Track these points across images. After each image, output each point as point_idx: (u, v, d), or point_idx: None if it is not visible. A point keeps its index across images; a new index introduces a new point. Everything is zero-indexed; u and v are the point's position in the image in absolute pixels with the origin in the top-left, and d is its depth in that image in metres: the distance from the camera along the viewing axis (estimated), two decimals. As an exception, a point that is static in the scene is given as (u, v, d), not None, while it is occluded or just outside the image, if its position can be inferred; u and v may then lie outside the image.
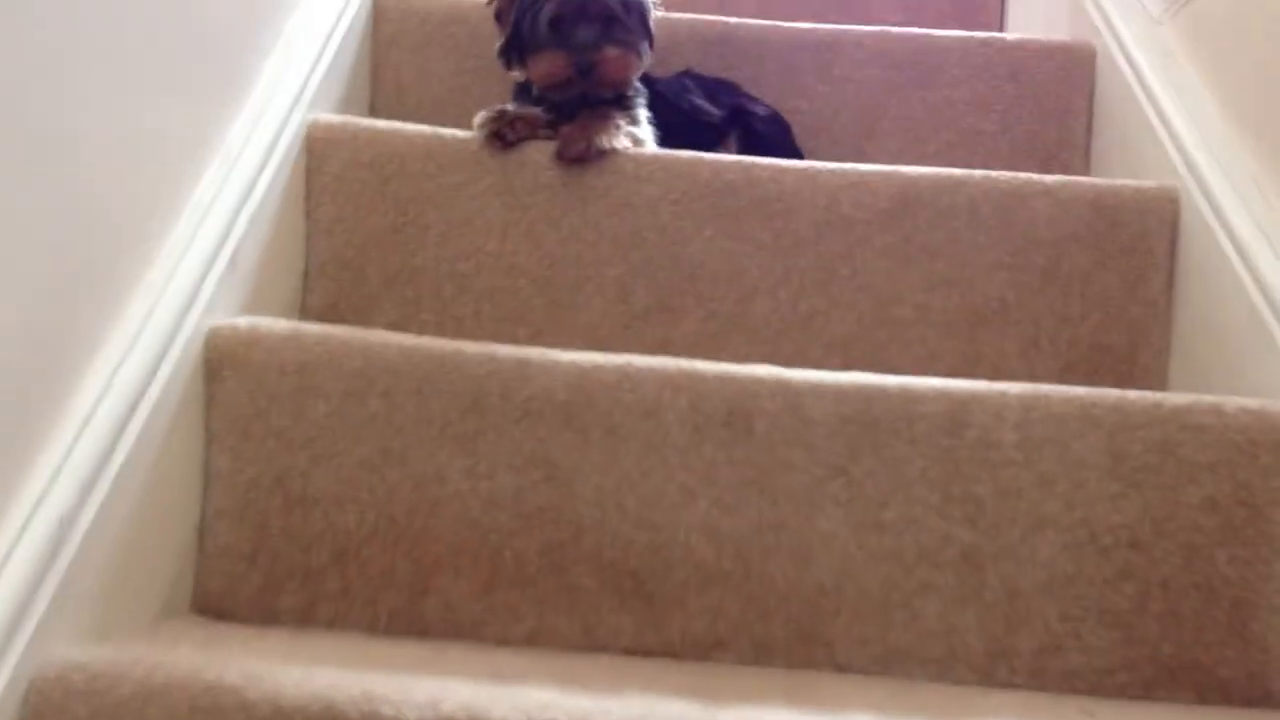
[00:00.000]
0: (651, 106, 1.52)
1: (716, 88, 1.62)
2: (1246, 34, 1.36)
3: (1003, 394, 1.12)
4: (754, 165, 1.42)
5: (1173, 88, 1.48)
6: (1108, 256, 1.39)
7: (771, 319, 1.40)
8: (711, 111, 1.58)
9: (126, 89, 1.06)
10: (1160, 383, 1.38)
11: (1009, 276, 1.39)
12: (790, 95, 1.71)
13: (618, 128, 1.43)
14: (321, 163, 1.43)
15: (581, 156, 1.40)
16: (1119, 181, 1.42)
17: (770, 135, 1.58)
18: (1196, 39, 1.47)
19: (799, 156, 1.59)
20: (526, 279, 1.41)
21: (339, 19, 1.57)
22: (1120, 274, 1.38)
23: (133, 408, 1.02)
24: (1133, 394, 1.14)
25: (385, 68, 1.73)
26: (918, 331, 1.39)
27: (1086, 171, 1.68)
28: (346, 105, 1.58)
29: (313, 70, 1.46)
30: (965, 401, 1.12)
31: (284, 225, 1.35)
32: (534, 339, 1.40)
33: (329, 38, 1.53)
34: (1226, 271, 1.28)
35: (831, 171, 1.41)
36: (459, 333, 1.40)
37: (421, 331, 1.40)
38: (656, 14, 1.50)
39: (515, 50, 1.47)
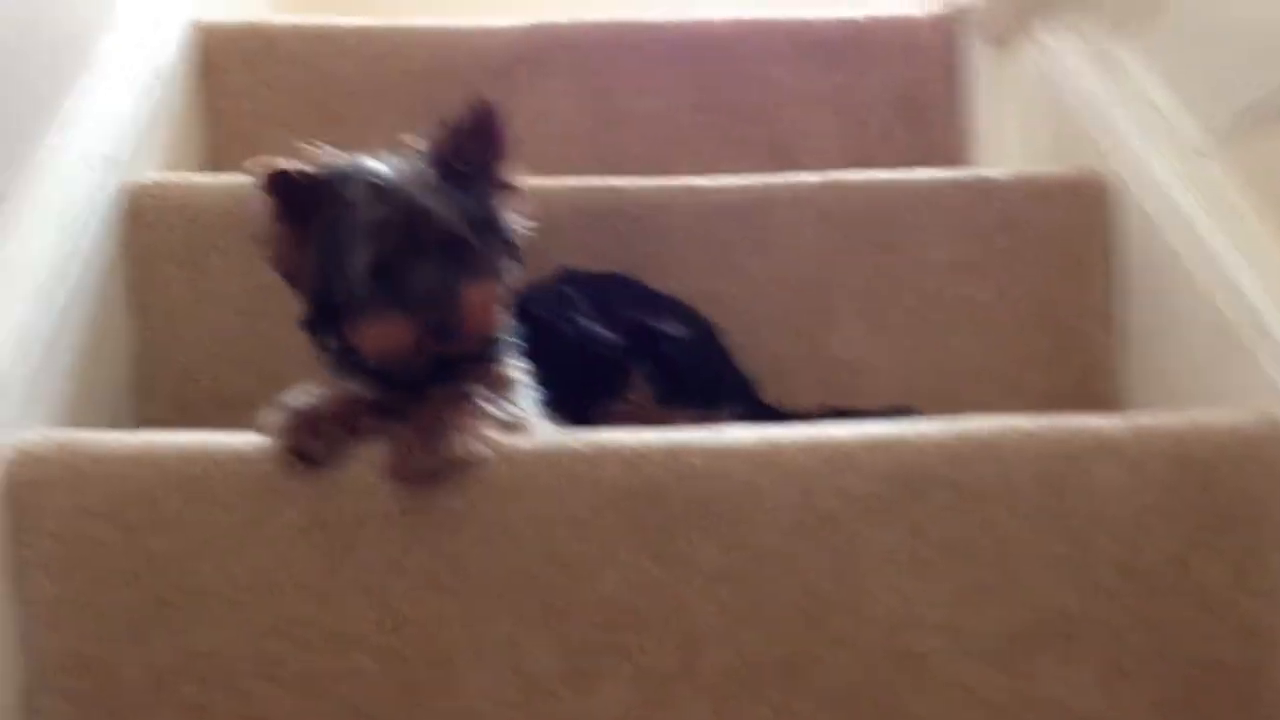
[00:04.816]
0: (525, 338, 1.04)
1: (608, 291, 1.15)
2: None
3: None
4: (683, 450, 0.95)
5: (1244, 256, 1.06)
6: (1205, 533, 0.96)
7: (735, 671, 0.95)
8: (607, 338, 1.10)
9: None
10: (1302, 707, 0.96)
11: (1070, 578, 0.96)
12: (710, 275, 1.25)
13: (481, 416, 0.95)
14: (31, 519, 0.93)
15: (429, 475, 0.92)
16: (1203, 417, 0.99)
17: (693, 364, 1.12)
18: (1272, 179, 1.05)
19: (738, 383, 1.14)
20: (367, 654, 0.95)
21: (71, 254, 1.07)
22: (1225, 557, 0.96)
23: None
24: None
25: (150, 290, 1.23)
26: (947, 666, 0.96)
27: (1109, 347, 1.25)
28: (84, 384, 1.09)
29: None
30: None
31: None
32: (389, 741, 0.94)
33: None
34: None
35: (799, 448, 0.96)
36: (275, 745, 0.94)
37: (217, 754, 0.94)
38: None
39: (326, 319, 0.97)
